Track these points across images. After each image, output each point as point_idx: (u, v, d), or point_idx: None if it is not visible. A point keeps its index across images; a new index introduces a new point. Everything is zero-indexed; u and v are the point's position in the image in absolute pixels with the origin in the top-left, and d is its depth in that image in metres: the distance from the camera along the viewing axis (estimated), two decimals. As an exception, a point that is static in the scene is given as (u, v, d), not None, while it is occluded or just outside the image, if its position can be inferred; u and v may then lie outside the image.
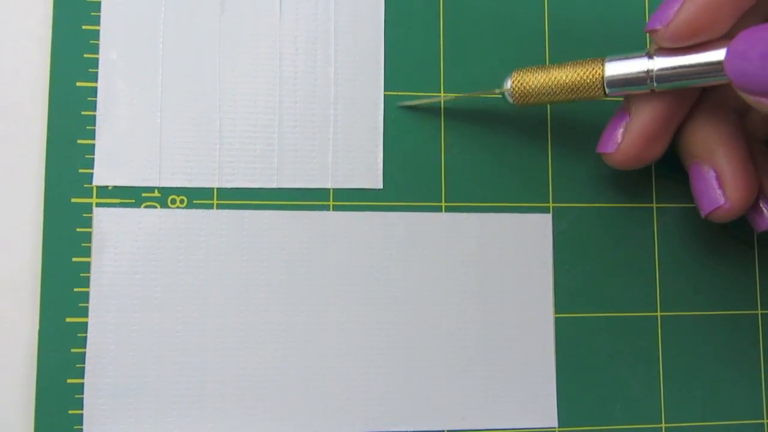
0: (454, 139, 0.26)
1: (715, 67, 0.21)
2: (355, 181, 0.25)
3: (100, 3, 0.25)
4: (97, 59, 0.24)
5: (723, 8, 0.21)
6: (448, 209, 0.25)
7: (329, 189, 0.25)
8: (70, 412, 0.23)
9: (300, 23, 0.25)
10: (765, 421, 0.26)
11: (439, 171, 0.26)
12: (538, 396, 0.25)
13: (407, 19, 0.26)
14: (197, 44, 0.25)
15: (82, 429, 0.23)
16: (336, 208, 0.25)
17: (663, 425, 0.26)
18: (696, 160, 0.24)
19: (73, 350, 0.24)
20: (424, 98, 0.26)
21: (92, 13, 0.25)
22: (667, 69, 0.22)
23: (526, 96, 0.23)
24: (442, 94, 0.26)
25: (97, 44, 0.24)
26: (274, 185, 0.25)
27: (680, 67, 0.22)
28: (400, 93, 0.26)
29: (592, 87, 0.22)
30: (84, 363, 0.23)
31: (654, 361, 0.26)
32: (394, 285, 0.25)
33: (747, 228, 0.26)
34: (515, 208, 0.26)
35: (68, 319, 0.24)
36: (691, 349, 0.26)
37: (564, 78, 0.23)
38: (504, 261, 0.25)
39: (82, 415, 0.23)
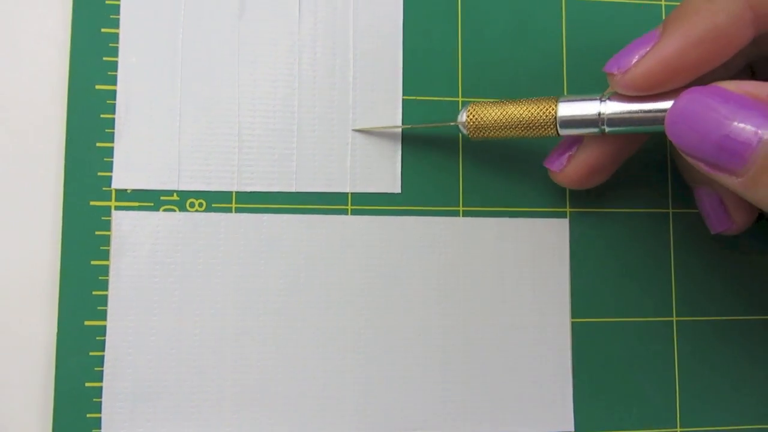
0: (471, 144, 0.26)
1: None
2: (373, 186, 0.25)
3: (119, 6, 0.25)
4: (116, 62, 0.24)
5: (684, 68, 0.20)
6: (466, 214, 0.26)
7: (347, 193, 0.25)
8: (88, 415, 0.23)
9: (319, 28, 0.25)
10: (779, 425, 0.26)
11: (456, 176, 0.26)
12: (555, 400, 0.25)
13: (425, 25, 0.26)
14: (216, 48, 0.25)
15: (100, 432, 0.23)
16: (354, 212, 0.25)
17: (678, 429, 0.26)
18: (699, 185, 0.24)
19: (91, 353, 0.24)
20: (381, 126, 0.25)
21: (111, 16, 0.25)
22: (618, 114, 0.21)
23: (481, 130, 0.23)
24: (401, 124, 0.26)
25: (116, 47, 0.24)
26: (292, 189, 0.25)
27: (631, 113, 0.21)
28: (418, 98, 0.26)
29: (545, 126, 0.22)
30: (102, 366, 0.23)
31: (670, 366, 0.26)
32: (412, 289, 0.25)
33: (762, 234, 0.27)
34: (532, 213, 0.26)
35: (87, 323, 0.24)
36: (706, 353, 0.26)
37: (518, 115, 0.22)
38: (521, 265, 0.26)
39: (100, 418, 0.23)
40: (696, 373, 0.26)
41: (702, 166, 0.19)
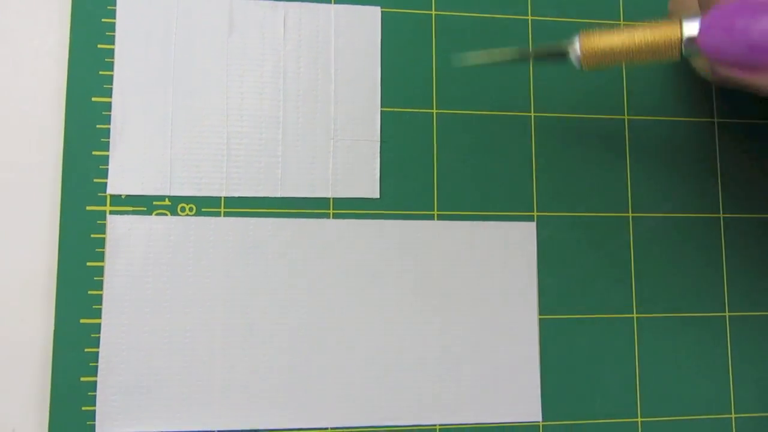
0: (445, 152, 0.28)
1: None
2: (353, 191, 0.27)
3: (114, 24, 0.26)
4: (112, 76, 0.26)
5: None
6: (440, 217, 0.27)
7: (329, 198, 0.27)
8: (83, 408, 0.25)
9: (302, 45, 0.27)
10: (732, 415, 0.28)
11: (431, 182, 0.27)
12: (524, 392, 0.27)
13: (402, 42, 0.28)
14: (206, 63, 0.27)
15: (94, 425, 0.24)
16: (336, 216, 0.27)
17: (639, 419, 0.27)
18: None
19: (86, 350, 0.25)
20: (488, 55, 0.26)
21: (107, 33, 0.26)
22: None
23: (595, 57, 0.23)
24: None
25: (112, 62, 0.26)
26: (278, 194, 0.26)
27: None
28: (395, 109, 0.27)
29: (670, 47, 0.22)
30: (97, 362, 0.25)
31: (630, 360, 0.28)
32: (389, 287, 0.27)
33: (715, 236, 0.29)
34: (502, 216, 0.28)
35: (82, 320, 0.25)
36: (664, 348, 0.28)
37: (640, 38, 0.23)
38: (491, 266, 0.27)
39: (94, 411, 0.25)
40: (655, 366, 0.28)
41: (736, 71, 0.21)
